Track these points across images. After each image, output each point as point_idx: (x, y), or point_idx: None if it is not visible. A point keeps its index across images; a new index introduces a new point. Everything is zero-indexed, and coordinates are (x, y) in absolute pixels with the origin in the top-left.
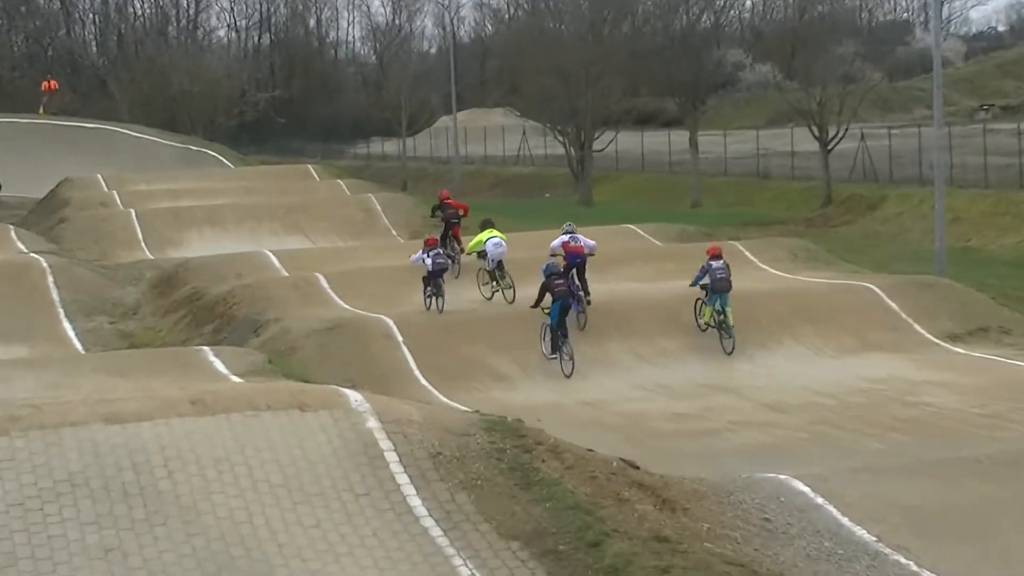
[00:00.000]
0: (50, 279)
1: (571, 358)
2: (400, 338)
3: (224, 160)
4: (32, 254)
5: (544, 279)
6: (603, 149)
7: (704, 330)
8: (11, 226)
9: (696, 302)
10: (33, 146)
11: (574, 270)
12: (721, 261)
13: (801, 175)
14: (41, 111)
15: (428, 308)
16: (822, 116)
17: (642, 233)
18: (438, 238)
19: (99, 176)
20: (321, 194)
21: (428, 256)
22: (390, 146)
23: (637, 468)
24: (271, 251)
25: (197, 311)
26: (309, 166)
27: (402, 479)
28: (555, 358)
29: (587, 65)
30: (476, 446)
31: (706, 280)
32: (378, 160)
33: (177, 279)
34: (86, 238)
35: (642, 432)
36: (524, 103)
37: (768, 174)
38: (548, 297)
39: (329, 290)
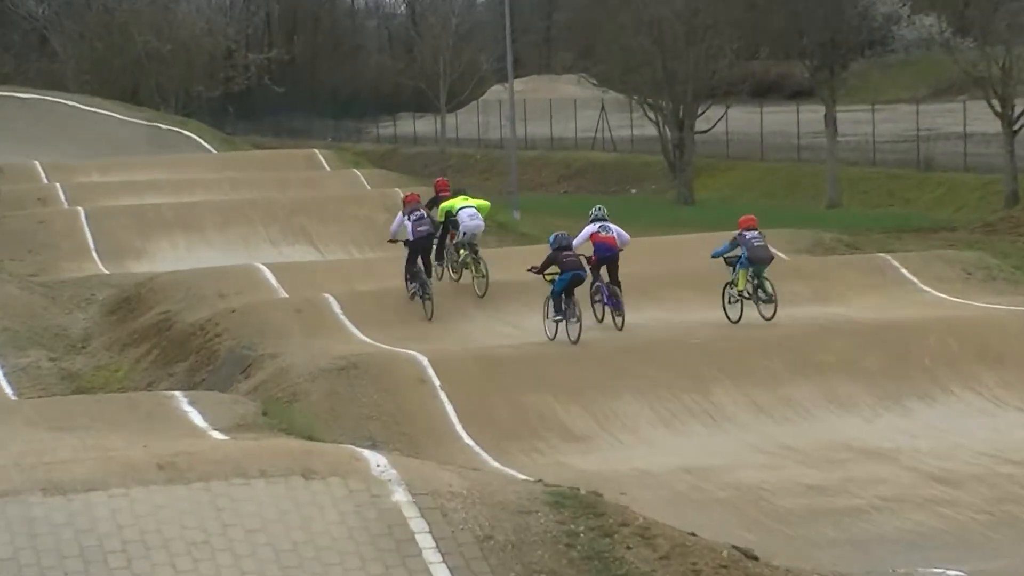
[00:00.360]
0: None
1: (578, 320)
2: (437, 381)
3: (204, 143)
4: None
5: (551, 251)
6: (709, 130)
7: (736, 320)
8: None
9: (724, 288)
10: None
11: (603, 268)
12: (758, 232)
13: (977, 165)
14: None
15: (413, 297)
16: (1006, 86)
17: None
18: (420, 195)
19: (36, 163)
20: (333, 189)
21: (408, 220)
22: (425, 125)
23: (756, 559)
24: (266, 264)
25: (167, 344)
26: (316, 151)
27: (439, 572)
28: (559, 319)
29: (689, 18)
30: (539, 528)
31: (737, 252)
32: (408, 144)
33: (140, 301)
34: (18, 246)
35: (761, 510)
36: (603, 68)
37: (932, 164)
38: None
39: (342, 316)
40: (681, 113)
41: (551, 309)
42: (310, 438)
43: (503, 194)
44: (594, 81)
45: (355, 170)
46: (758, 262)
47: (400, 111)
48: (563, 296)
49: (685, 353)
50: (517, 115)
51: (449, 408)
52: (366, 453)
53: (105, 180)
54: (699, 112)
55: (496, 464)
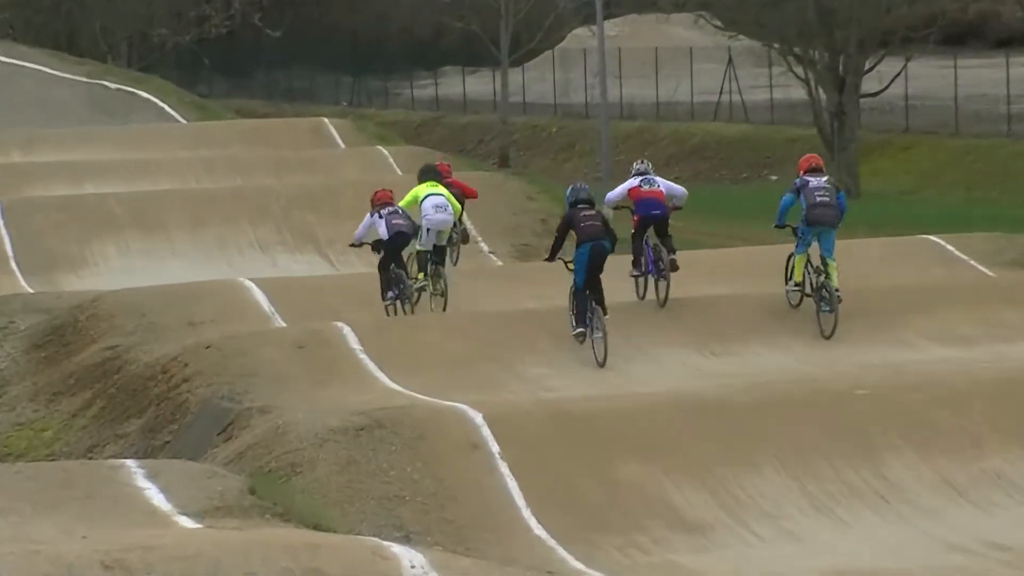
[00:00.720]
0: None
1: (603, 336)
2: (495, 447)
3: (168, 108)
4: None
5: (566, 208)
6: (881, 91)
7: (796, 304)
8: None
9: (788, 260)
10: None
11: (650, 230)
12: (823, 178)
13: None
14: None
15: (392, 314)
16: None
17: (956, 252)
18: (392, 191)
19: None
20: (349, 173)
21: (379, 216)
22: (478, 84)
23: None
24: (254, 280)
25: (115, 393)
26: (326, 121)
27: None
28: (582, 333)
29: None
30: None
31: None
32: (455, 110)
33: (78, 332)
34: None
35: None
36: (732, 5)
37: None
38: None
39: (362, 354)
40: (841, 68)
41: (572, 315)
42: (316, 527)
43: (588, 180)
44: (718, 23)
45: (380, 147)
46: (818, 222)
47: (444, 64)
48: (588, 296)
49: (847, 408)
50: (610, 71)
51: (513, 485)
52: (395, 549)
53: (28, 160)
54: (867, 67)
55: (579, 565)
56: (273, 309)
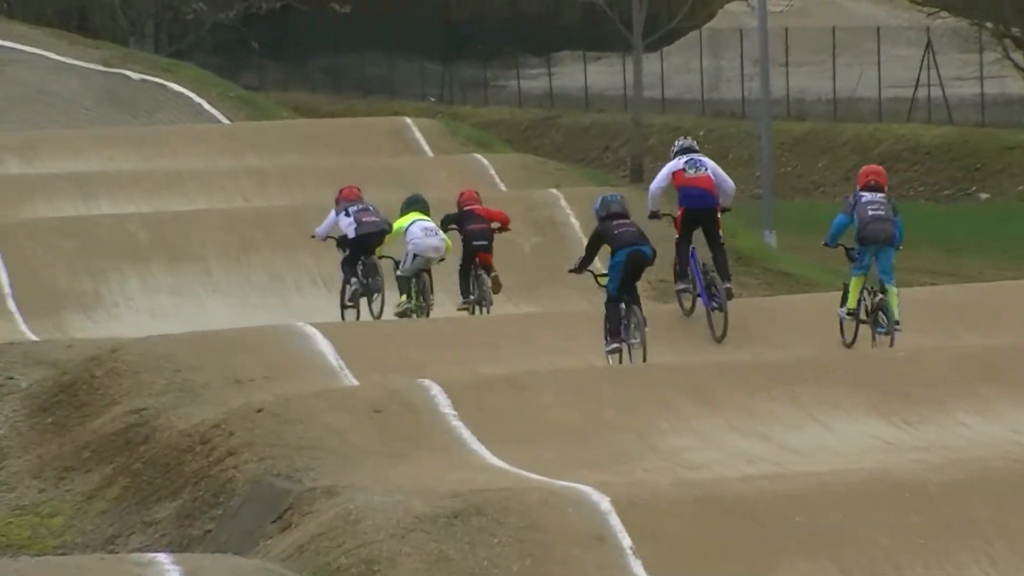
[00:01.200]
0: None
1: (642, 342)
2: (625, 541)
3: (205, 104)
4: None
5: (597, 222)
6: None
7: (850, 342)
8: None
9: (845, 288)
10: None
11: (698, 230)
12: (880, 194)
13: None
14: None
15: (346, 318)
16: None
17: None
18: (359, 188)
19: None
20: (437, 187)
21: (348, 214)
22: (605, 74)
23: None
24: (316, 325)
25: (142, 468)
26: (409, 120)
27: None
28: (616, 350)
29: None
30: None
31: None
32: (573, 107)
33: (93, 391)
34: None
35: None
36: None
37: None
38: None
39: (454, 420)
40: None
41: (606, 331)
42: None
43: (747, 198)
44: None
45: (478, 155)
46: (872, 240)
47: (560, 49)
48: (622, 303)
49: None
50: (773, 57)
51: None
52: None
53: (29, 171)
54: None
55: None
56: (341, 363)
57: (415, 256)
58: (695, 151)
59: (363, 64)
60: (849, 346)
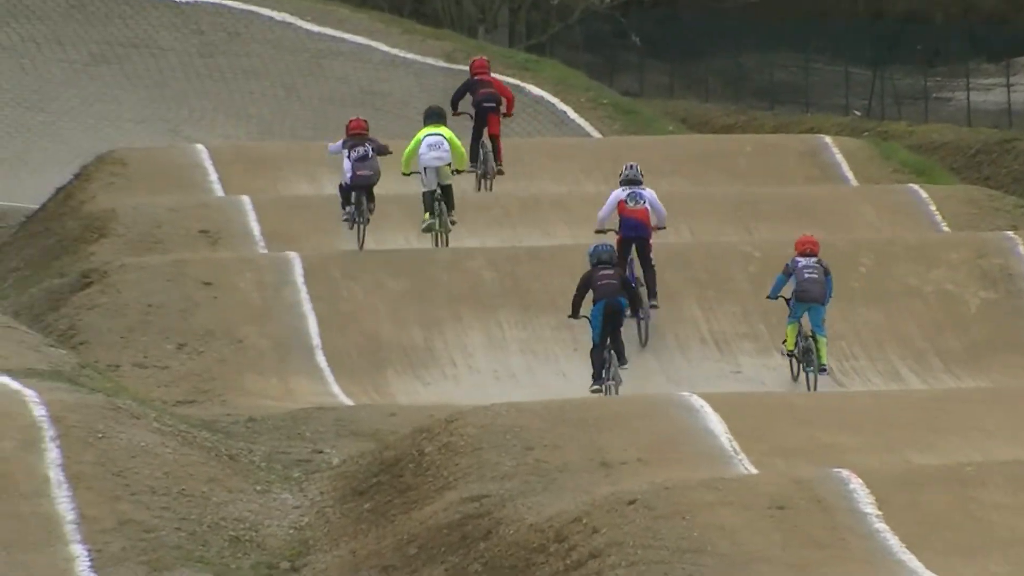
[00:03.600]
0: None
1: (617, 385)
2: None
3: (571, 112)
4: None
5: (589, 269)
6: None
7: (795, 377)
8: None
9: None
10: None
11: (632, 250)
12: (813, 259)
13: None
14: None
15: (352, 229)
16: None
17: None
18: (366, 121)
19: (199, 149)
20: (862, 223)
21: (348, 158)
22: None
23: None
24: (704, 395)
25: (482, 570)
26: (827, 139)
27: None
28: (598, 390)
29: None
30: None
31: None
32: None
33: (424, 472)
34: (156, 335)
35: None
36: None
37: None
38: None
39: (877, 522)
40: None
41: (592, 373)
42: None
43: None
44: None
45: (914, 186)
46: (806, 299)
47: (1022, 54)
48: (605, 350)
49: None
50: None
51: None
52: None
53: None
54: None
55: None
56: (735, 444)
57: (425, 170)
58: (638, 183)
59: (770, 67)
60: (795, 379)
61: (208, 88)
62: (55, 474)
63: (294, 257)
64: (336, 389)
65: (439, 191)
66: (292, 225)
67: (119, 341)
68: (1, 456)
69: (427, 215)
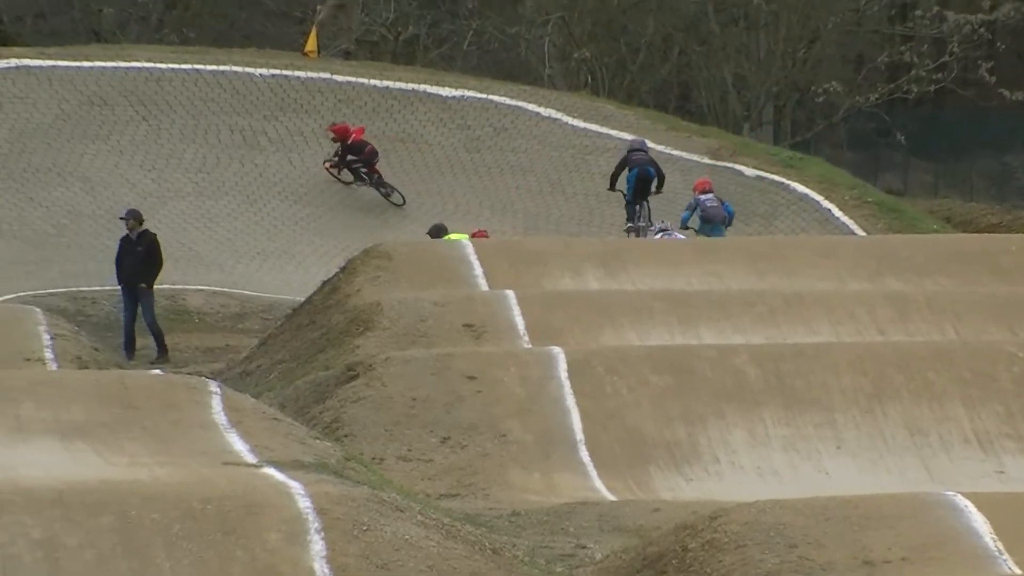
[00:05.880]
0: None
1: (646, 229)
2: None
3: (834, 210)
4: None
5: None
6: None
7: None
8: (215, 385)
9: None
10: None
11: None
12: (712, 194)
13: None
14: (308, 45)
15: None
16: None
17: None
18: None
19: (464, 242)
20: None
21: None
22: None
23: None
24: (969, 495)
25: None
26: None
27: None
28: (632, 229)
29: None
30: None
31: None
32: None
33: (687, 568)
34: (417, 428)
35: None
36: None
37: None
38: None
39: None
40: None
41: (626, 218)
42: None
43: None
44: None
45: None
46: (712, 220)
47: None
48: (637, 204)
49: None
50: None
51: None
52: None
53: (614, 286)
54: None
55: None
56: (999, 545)
57: None
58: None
59: None
60: None
61: (474, 182)
62: (320, 566)
63: (558, 352)
64: (599, 484)
65: None
66: (555, 319)
67: (384, 434)
68: (267, 548)
69: None
